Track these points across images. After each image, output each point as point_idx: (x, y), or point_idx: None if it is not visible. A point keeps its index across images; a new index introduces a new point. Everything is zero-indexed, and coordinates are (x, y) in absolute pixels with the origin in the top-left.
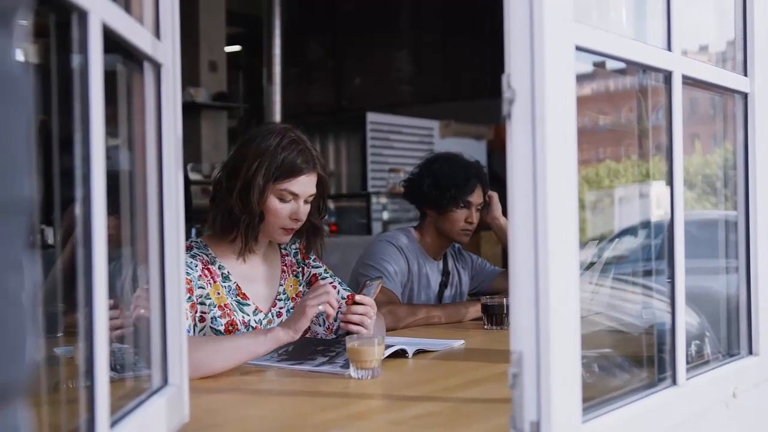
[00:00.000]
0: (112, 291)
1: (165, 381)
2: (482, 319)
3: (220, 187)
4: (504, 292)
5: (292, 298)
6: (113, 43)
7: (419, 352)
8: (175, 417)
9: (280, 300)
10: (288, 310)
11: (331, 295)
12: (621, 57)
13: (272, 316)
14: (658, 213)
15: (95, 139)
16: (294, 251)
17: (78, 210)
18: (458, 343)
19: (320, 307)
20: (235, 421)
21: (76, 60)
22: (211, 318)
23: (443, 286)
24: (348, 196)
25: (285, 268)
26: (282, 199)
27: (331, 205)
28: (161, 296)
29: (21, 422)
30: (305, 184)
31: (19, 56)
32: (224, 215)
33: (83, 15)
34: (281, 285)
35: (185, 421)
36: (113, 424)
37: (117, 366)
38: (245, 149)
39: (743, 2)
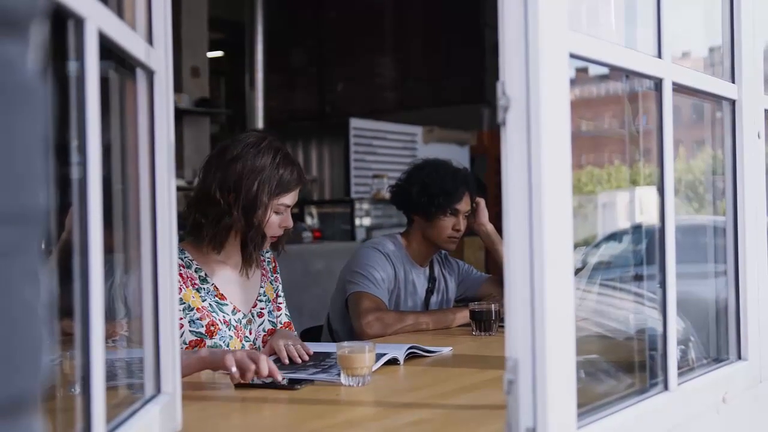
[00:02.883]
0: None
1: (158, 389)
2: (470, 325)
3: (214, 202)
4: (491, 297)
5: (272, 300)
6: (106, 49)
7: (411, 357)
8: (168, 425)
9: (261, 301)
10: (269, 311)
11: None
12: (613, 64)
13: (253, 316)
14: (642, 218)
15: (91, 145)
16: (267, 260)
17: (73, 217)
18: (446, 350)
19: (233, 370)
20: (227, 429)
21: (71, 66)
22: (190, 321)
23: (430, 292)
24: (331, 202)
25: (264, 271)
26: (277, 213)
27: (314, 211)
28: (154, 305)
29: (37, 431)
30: (296, 195)
31: (34, 65)
32: (225, 232)
33: (80, 22)
34: (262, 287)
35: (178, 429)
36: None
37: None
38: (238, 166)
39: (731, 10)
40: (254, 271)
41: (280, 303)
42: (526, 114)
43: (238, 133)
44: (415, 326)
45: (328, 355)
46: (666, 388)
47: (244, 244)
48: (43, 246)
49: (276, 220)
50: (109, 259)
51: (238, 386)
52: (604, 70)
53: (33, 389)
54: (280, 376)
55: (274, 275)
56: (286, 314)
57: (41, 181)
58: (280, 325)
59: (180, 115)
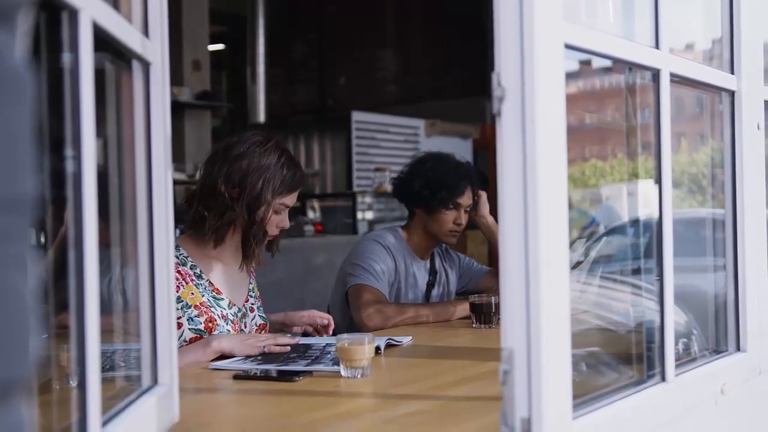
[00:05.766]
0: (100, 292)
1: (155, 381)
2: (470, 317)
3: (218, 196)
4: (491, 290)
5: (258, 297)
6: (102, 41)
7: (414, 349)
8: (165, 416)
9: (251, 296)
10: (258, 307)
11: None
12: (610, 55)
13: (246, 310)
14: (644, 212)
15: (86, 138)
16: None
17: (67, 211)
18: (407, 339)
19: (265, 349)
20: (224, 420)
21: (65, 58)
22: (188, 319)
23: (431, 285)
24: (333, 196)
25: (251, 270)
26: (276, 212)
27: (315, 204)
28: (151, 297)
29: (24, 419)
30: (295, 196)
31: (21, 54)
32: (226, 226)
33: (74, 13)
34: (251, 283)
35: (175, 420)
36: (104, 423)
37: (105, 366)
38: (243, 162)
39: (730, 0)
40: (249, 266)
41: (253, 307)
42: (521, 105)
43: (242, 130)
44: (415, 319)
45: (309, 346)
46: (663, 379)
47: (245, 240)
48: (43, 239)
49: (274, 220)
50: (108, 254)
51: (236, 378)
52: (608, 63)
53: (21, 375)
54: (294, 340)
55: (253, 276)
56: (260, 316)
57: (29, 169)
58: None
59: (181, 108)
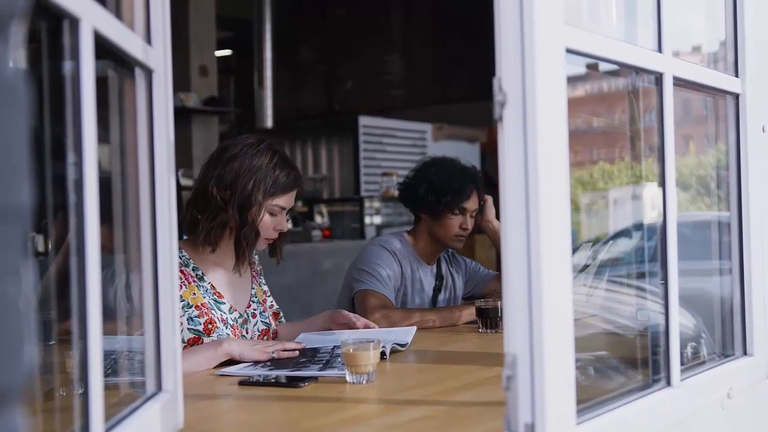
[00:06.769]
0: (105, 299)
1: (159, 387)
2: (476, 322)
3: (210, 198)
4: (498, 295)
5: (262, 302)
6: (104, 49)
7: (417, 355)
8: (169, 423)
9: (253, 302)
10: (261, 312)
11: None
12: (611, 59)
13: (248, 316)
14: (652, 215)
15: (87, 145)
16: (256, 261)
17: (71, 217)
18: (411, 333)
19: (274, 355)
20: (228, 427)
21: (67, 66)
22: (188, 319)
23: (437, 290)
24: (341, 201)
25: (254, 274)
26: (271, 214)
27: (323, 209)
28: (154, 304)
29: (19, 427)
30: (292, 198)
31: (16, 63)
32: (219, 228)
33: (75, 22)
34: (253, 288)
35: (179, 427)
36: (108, 430)
37: (109, 371)
38: (235, 164)
39: (734, 3)
40: (246, 269)
41: (270, 299)
42: (522, 110)
43: (240, 134)
44: (421, 324)
45: (317, 350)
46: (669, 383)
47: (237, 241)
48: (50, 246)
49: (270, 222)
50: (113, 260)
51: (242, 384)
52: (615, 66)
53: (15, 384)
54: (301, 346)
55: (261, 278)
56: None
57: (24, 178)
58: (271, 316)
59: (188, 114)
